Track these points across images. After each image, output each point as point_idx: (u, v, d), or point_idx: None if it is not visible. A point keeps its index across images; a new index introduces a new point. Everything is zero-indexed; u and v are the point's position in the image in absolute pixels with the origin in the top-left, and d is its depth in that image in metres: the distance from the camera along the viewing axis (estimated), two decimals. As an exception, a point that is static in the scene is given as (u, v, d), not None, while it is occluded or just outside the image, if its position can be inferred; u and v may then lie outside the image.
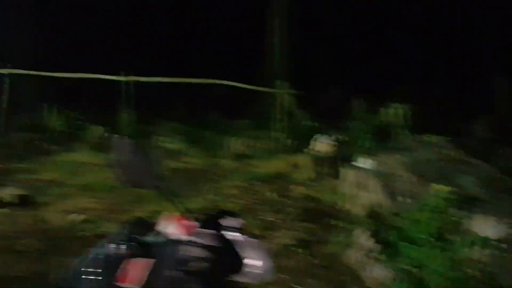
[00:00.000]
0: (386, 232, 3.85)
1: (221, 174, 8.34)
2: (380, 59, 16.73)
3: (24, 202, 5.99)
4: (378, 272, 3.66)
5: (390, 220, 4.42)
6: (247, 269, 1.65)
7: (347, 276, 4.18)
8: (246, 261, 1.65)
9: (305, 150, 8.53)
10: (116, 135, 7.60)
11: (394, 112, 8.02)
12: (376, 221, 5.21)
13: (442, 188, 3.51)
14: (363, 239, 4.09)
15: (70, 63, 11.76)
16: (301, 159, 8.46)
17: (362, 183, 5.77)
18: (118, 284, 1.55)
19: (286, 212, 6.19)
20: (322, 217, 6.01)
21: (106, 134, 10.19)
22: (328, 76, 16.37)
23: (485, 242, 2.93)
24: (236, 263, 1.63)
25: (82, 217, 5.63)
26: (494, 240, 2.93)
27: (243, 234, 1.70)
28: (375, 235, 3.98)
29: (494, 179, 3.72)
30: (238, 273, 1.64)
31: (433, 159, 4.44)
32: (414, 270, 3.27)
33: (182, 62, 16.04)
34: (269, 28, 15.98)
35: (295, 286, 4.10)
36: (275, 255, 4.79)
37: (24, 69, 10.75)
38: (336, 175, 7.40)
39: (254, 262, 1.66)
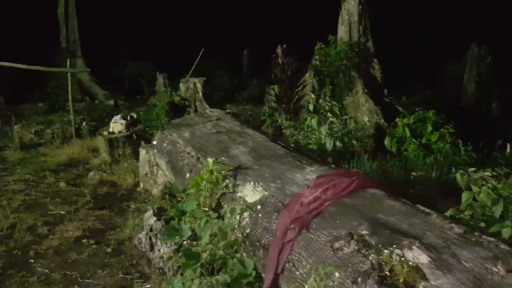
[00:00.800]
0: (171, 209, 3.87)
1: (4, 168, 7.37)
2: (181, 34, 16.80)
3: None
4: (163, 250, 3.68)
5: (177, 196, 4.48)
6: None
7: (139, 259, 4.12)
8: None
9: (104, 132, 8.10)
10: None
11: (188, 87, 8.13)
12: (165, 199, 5.27)
13: (214, 161, 3.67)
14: (152, 219, 4.05)
15: None
16: (99, 142, 8.00)
17: (155, 162, 5.73)
18: None
19: (80, 202, 5.81)
20: (118, 201, 5.82)
21: None
22: (130, 52, 15.78)
23: (248, 207, 3.16)
24: None
25: None
26: (255, 204, 3.18)
27: None
28: (158, 214, 3.98)
29: (262, 147, 4.04)
30: None
31: (212, 132, 4.61)
32: (192, 243, 3.37)
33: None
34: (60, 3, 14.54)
35: (82, 281, 3.86)
36: (65, 251, 4.45)
37: None
38: (135, 156, 7.23)
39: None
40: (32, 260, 4.26)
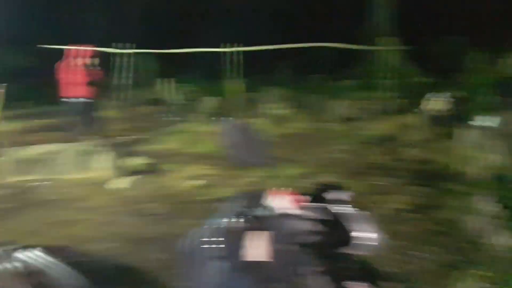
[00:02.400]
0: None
1: (327, 138, 8.27)
2: None
3: (150, 170, 6.46)
4: (505, 240, 3.40)
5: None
6: (357, 242, 1.67)
7: (468, 244, 3.95)
8: (355, 233, 1.66)
9: (416, 109, 8.09)
10: (226, 118, 7.78)
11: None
12: (500, 185, 4.82)
13: None
14: (485, 204, 3.81)
15: (174, 41, 12.20)
16: (411, 119, 8.05)
17: (482, 144, 5.34)
18: (245, 258, 1.66)
19: (397, 175, 5.99)
20: (437, 180, 5.70)
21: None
22: (443, 25, 14.96)
23: None
24: (345, 236, 1.66)
25: (201, 182, 5.94)
26: None
27: (352, 207, 1.71)
28: (500, 200, 3.67)
29: None
30: (347, 246, 1.67)
31: None
32: None
33: (283, 27, 15.87)
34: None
35: (411, 253, 3.98)
36: (388, 221, 4.67)
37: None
38: (451, 136, 6.94)
39: (364, 234, 1.67)
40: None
